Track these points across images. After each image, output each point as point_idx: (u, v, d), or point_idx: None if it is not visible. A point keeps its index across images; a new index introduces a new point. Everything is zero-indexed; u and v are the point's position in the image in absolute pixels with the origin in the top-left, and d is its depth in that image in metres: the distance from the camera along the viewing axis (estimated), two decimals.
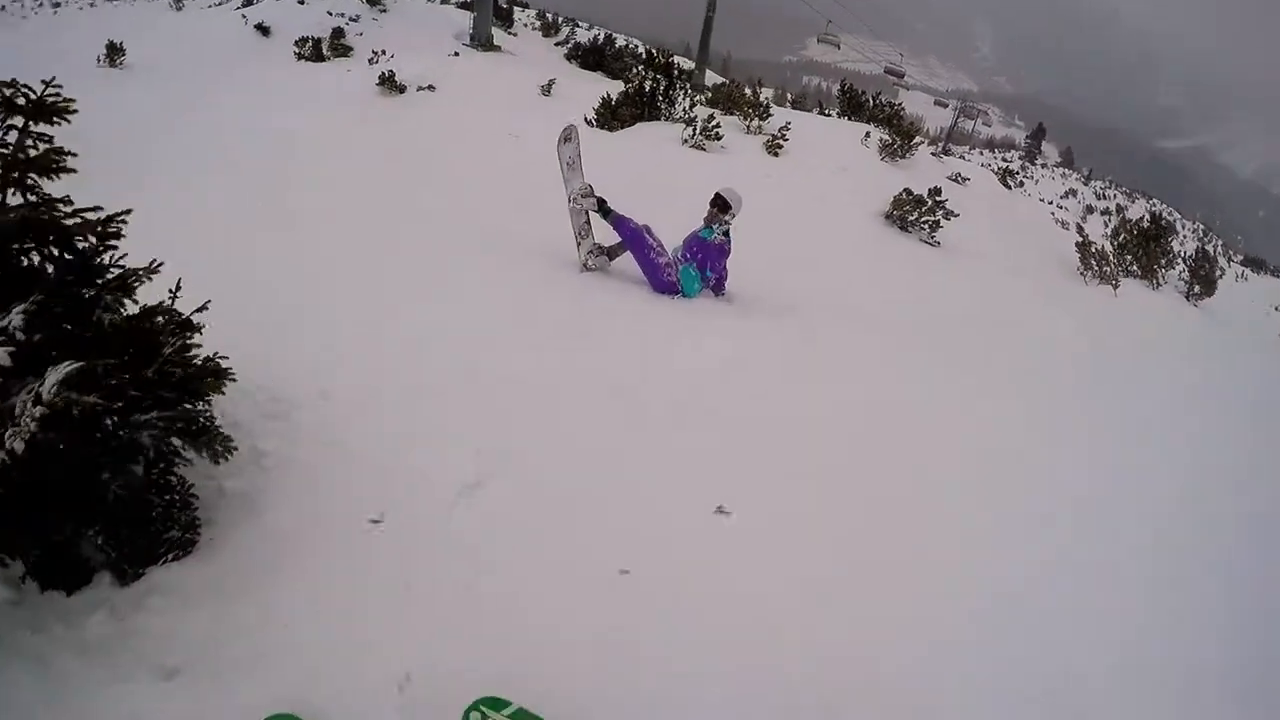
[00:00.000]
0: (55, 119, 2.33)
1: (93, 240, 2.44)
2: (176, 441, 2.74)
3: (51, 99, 2.31)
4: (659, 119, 14.18)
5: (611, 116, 13.81)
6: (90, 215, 2.41)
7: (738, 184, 10.53)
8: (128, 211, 2.53)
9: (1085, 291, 10.35)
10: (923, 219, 10.96)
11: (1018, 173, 61.19)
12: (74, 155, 2.35)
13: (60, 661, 2.48)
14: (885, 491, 4.15)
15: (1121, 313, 9.60)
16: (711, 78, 26.79)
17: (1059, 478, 4.84)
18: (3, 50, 14.25)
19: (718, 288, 6.84)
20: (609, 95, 14.07)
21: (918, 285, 8.97)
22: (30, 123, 2.30)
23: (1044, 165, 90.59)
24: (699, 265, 6.45)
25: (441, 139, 11.59)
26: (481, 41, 22.18)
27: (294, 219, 6.65)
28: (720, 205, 6.57)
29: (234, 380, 2.96)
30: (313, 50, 20.11)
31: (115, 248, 2.51)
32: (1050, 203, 54.42)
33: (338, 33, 21.57)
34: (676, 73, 15.72)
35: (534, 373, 4.53)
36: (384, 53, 18.78)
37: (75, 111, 2.35)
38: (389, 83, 15.47)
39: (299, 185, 7.91)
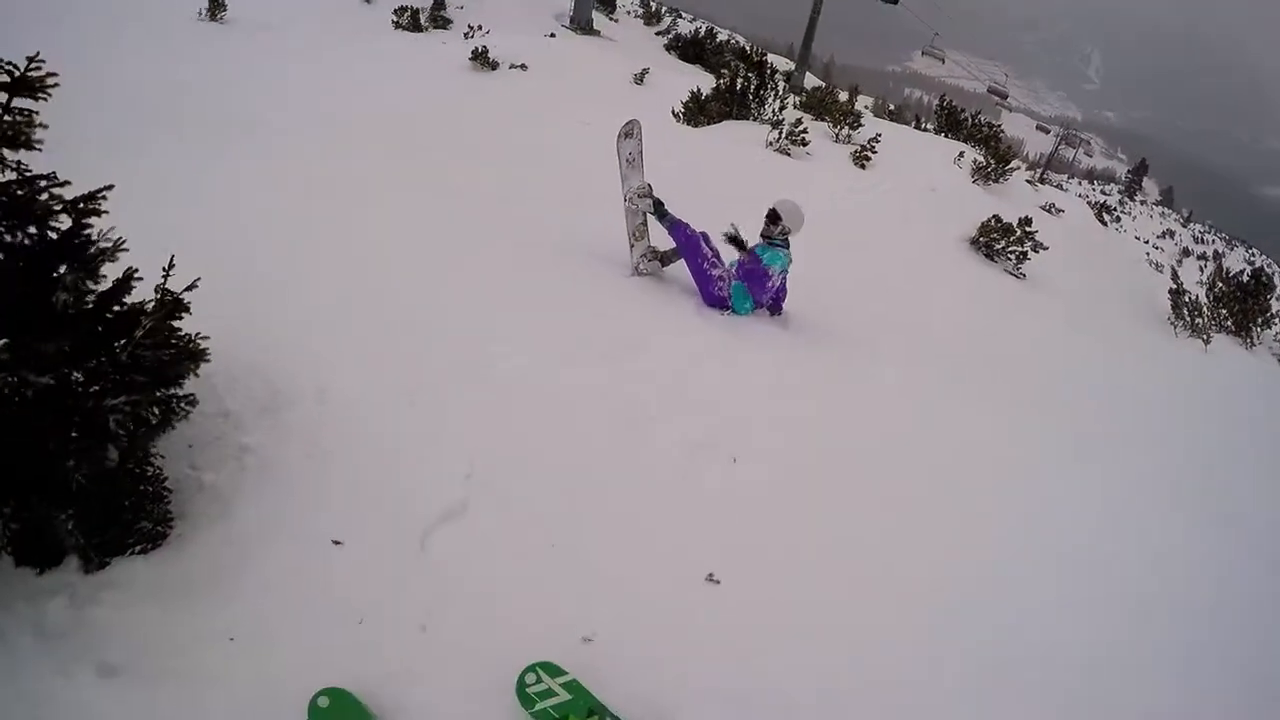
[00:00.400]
0: (37, 94, 2.22)
1: (69, 219, 2.36)
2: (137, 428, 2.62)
3: (34, 74, 2.20)
4: (747, 118, 13.81)
5: (699, 112, 13.49)
6: (61, 191, 2.33)
7: (818, 194, 10.32)
8: (109, 187, 2.44)
9: (1173, 344, 9.66)
10: (1010, 249, 10.40)
11: (1115, 208, 59.18)
12: (45, 127, 2.26)
13: (17, 640, 2.45)
14: (910, 570, 3.80)
15: (1212, 373, 8.87)
16: (812, 80, 26.35)
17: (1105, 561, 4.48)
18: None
19: (774, 307, 6.38)
20: (699, 90, 13.77)
21: (994, 321, 8.45)
22: (11, 98, 2.21)
23: (1143, 202, 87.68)
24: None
25: (518, 119, 11.44)
26: (581, 24, 22.14)
27: (335, 191, 6.44)
28: (771, 217, 6.10)
29: (208, 361, 2.85)
30: (410, 20, 20.29)
31: (90, 225, 2.41)
32: (1146, 242, 52.68)
33: (439, 4, 21.80)
34: (769, 71, 15.32)
35: (550, 387, 4.31)
36: (480, 28, 18.81)
37: (56, 86, 2.25)
38: (481, 58, 15.41)
39: (356, 157, 7.74)
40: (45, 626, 2.48)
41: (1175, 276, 10.96)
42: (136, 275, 2.55)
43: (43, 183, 2.29)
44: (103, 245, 2.40)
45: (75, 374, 2.40)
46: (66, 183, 2.35)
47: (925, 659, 3.29)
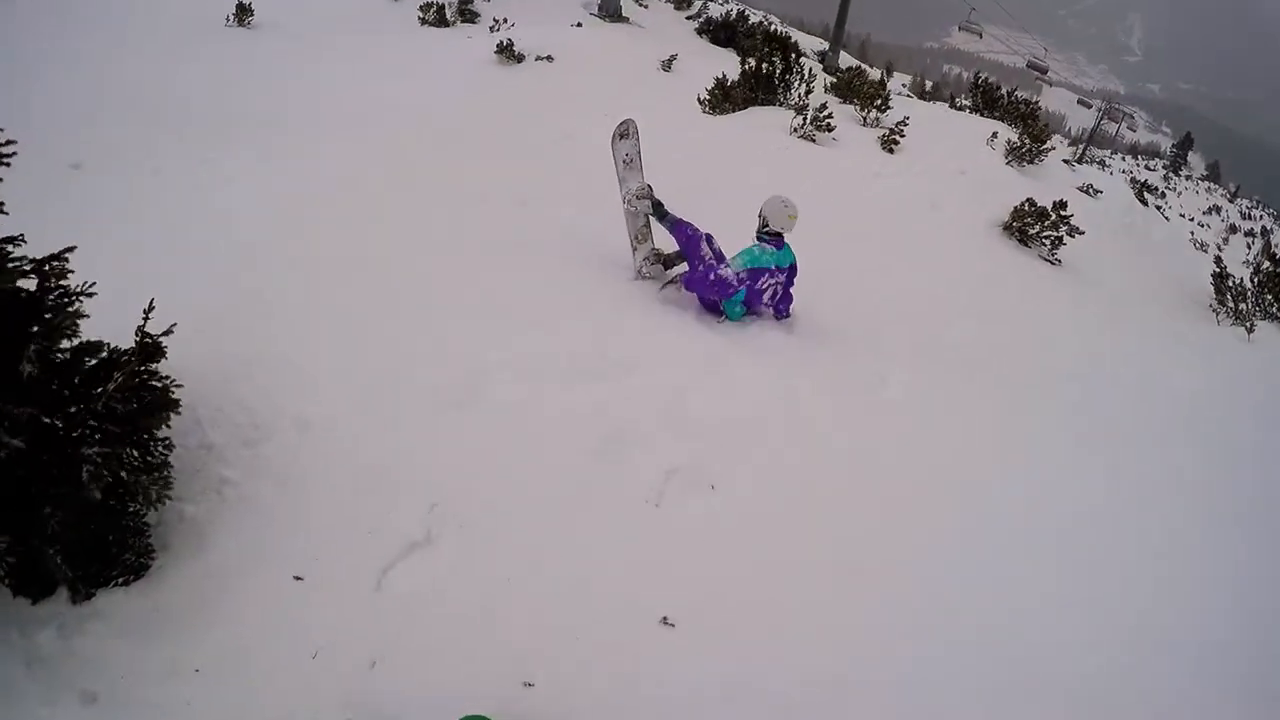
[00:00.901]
0: None
1: (35, 282, 2.45)
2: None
3: None
4: (774, 104, 13.57)
5: (724, 99, 13.27)
6: (15, 260, 2.40)
7: (844, 182, 10.13)
8: (71, 249, 2.52)
9: (1214, 332, 9.19)
10: (1044, 233, 10.13)
11: (1157, 187, 57.87)
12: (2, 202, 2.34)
13: (9, 670, 2.58)
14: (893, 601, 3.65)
15: (1253, 363, 8.46)
16: (847, 60, 25.93)
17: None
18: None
19: (778, 311, 6.13)
20: (724, 76, 13.55)
21: (1022, 310, 8.15)
22: None
23: (1188, 177, 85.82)
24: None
25: (539, 114, 11.34)
26: (610, 13, 21.93)
27: (340, 196, 6.42)
28: (760, 211, 5.89)
29: (179, 415, 2.95)
30: (437, 16, 20.22)
31: (59, 287, 2.49)
32: (1191, 219, 51.61)
33: None
34: (795, 54, 15.01)
35: (538, 410, 4.24)
36: (505, 20, 18.74)
37: (15, 154, 2.32)
38: (506, 51, 15.35)
39: (365, 158, 7.70)
40: (35, 655, 2.63)
41: (1219, 261, 10.54)
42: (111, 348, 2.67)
43: (9, 247, 2.37)
44: (67, 310, 2.49)
45: (55, 421, 2.46)
46: (22, 256, 2.44)
47: (925, 659, 3.32)
